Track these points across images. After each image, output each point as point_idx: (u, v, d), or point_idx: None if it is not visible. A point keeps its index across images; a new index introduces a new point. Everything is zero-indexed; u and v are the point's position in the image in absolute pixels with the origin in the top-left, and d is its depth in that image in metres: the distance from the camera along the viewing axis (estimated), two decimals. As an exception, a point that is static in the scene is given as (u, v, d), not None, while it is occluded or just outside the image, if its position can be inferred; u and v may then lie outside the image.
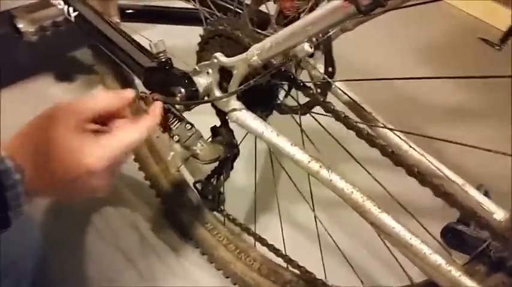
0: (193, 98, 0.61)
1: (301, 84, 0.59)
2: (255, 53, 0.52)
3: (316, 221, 0.76)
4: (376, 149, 0.54)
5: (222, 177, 0.77)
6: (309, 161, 0.56)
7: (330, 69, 0.69)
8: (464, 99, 1.49)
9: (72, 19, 0.74)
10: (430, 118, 1.32)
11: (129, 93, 0.54)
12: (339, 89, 0.65)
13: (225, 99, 0.60)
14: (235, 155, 0.73)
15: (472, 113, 1.46)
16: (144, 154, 1.02)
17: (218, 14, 0.67)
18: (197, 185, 0.80)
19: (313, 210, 0.75)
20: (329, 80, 0.65)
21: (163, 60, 0.60)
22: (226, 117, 0.68)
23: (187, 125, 0.66)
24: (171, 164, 0.98)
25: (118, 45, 0.66)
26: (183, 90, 0.61)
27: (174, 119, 0.67)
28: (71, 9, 0.74)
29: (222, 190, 0.80)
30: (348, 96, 0.66)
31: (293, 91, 0.66)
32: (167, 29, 1.03)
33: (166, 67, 0.61)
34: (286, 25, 0.70)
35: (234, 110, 0.60)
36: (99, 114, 0.50)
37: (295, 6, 0.66)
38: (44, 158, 0.45)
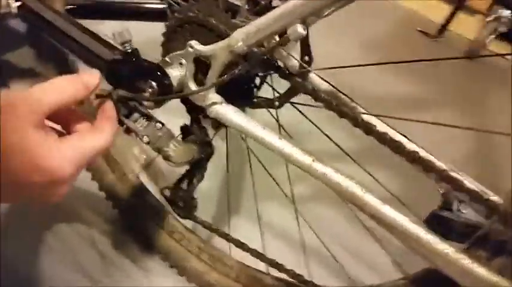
0: (166, 92, 0.55)
1: (287, 72, 0.54)
2: (239, 38, 0.47)
3: (297, 216, 0.72)
4: (373, 137, 0.50)
5: (194, 180, 0.71)
6: (301, 155, 0.52)
7: (307, 58, 0.65)
8: (412, 89, 1.52)
9: (14, 10, 0.65)
10: (382, 108, 1.34)
11: (94, 78, 0.46)
12: (320, 77, 0.61)
13: (202, 93, 0.55)
14: (210, 154, 0.67)
15: (421, 101, 1.50)
16: (97, 162, 0.93)
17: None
18: (165, 191, 0.73)
19: (294, 203, 0.71)
20: (308, 68, 0.61)
21: (129, 51, 0.53)
22: (201, 114, 0.62)
23: (157, 123, 0.60)
24: (130, 169, 0.90)
25: (73, 38, 0.58)
26: (154, 84, 0.54)
27: (142, 118, 0.60)
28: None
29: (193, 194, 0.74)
30: (331, 84, 0.63)
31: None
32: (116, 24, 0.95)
33: (133, 59, 0.54)
34: (258, 13, 0.66)
35: (214, 104, 0.54)
36: (60, 107, 0.42)
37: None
38: None
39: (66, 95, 0.43)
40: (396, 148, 0.49)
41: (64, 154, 0.40)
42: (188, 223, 0.83)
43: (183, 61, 0.55)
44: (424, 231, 0.49)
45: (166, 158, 0.62)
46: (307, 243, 0.79)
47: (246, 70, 0.50)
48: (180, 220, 0.85)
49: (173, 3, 0.62)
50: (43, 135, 0.40)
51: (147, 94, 0.56)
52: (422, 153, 0.53)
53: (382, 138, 0.50)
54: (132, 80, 0.55)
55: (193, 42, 0.53)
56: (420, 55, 1.59)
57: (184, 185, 0.73)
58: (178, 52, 0.55)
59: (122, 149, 0.89)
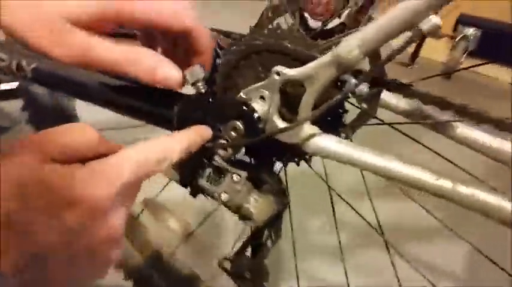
0: (255, 133, 0.44)
1: (399, 85, 0.46)
2: (353, 46, 0.39)
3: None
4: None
5: (268, 241, 0.59)
6: (437, 179, 0.42)
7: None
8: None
9: (29, 74, 0.53)
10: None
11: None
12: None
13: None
14: (286, 206, 0.57)
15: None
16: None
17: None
18: (224, 263, 0.61)
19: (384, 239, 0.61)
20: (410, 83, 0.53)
21: (203, 90, 0.43)
22: (274, 159, 0.52)
23: (235, 175, 0.49)
24: (166, 245, 0.76)
25: (116, 94, 0.47)
26: (239, 124, 0.44)
27: (214, 173, 0.49)
28: (24, 62, 0.54)
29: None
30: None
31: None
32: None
33: (210, 99, 0.43)
34: (324, 33, 0.58)
35: (311, 137, 0.45)
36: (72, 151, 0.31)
37: (329, 9, 0.55)
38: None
39: (78, 140, 0.31)
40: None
41: (91, 171, 0.30)
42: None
43: (266, 93, 0.45)
44: None
45: (247, 217, 0.51)
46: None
47: (354, 88, 0.41)
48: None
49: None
50: (58, 166, 0.29)
51: (223, 141, 0.45)
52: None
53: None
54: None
55: (280, 68, 0.44)
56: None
57: (248, 252, 0.61)
58: (258, 84, 0.45)
59: (155, 225, 0.76)
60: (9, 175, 0.27)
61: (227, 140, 0.45)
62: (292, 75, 0.43)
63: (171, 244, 0.76)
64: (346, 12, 0.55)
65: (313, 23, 0.57)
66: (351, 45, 0.39)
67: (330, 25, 0.57)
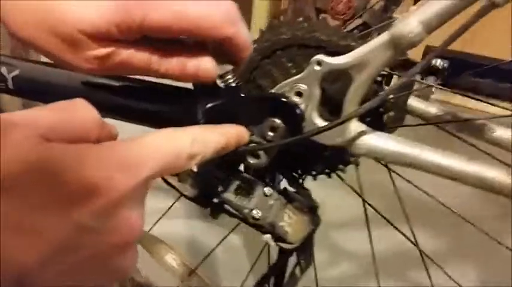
0: (297, 131, 0.38)
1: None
2: (414, 24, 0.34)
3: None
4: None
5: (296, 271, 0.51)
6: (502, 175, 0.37)
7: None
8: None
9: (10, 84, 0.45)
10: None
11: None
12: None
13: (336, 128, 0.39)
14: (317, 226, 0.49)
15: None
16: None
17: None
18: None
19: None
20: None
21: (233, 84, 0.36)
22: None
23: (266, 188, 0.42)
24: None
25: (130, 96, 0.40)
26: (279, 122, 0.37)
27: (241, 186, 0.42)
28: (3, 69, 0.45)
29: None
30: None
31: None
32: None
33: (242, 94, 0.37)
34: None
35: (360, 135, 0.39)
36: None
37: (351, 7, 0.51)
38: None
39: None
40: None
41: (111, 153, 0.23)
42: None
43: (303, 88, 0.39)
44: None
45: (282, 237, 0.43)
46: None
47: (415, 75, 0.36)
48: None
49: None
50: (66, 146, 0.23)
51: (256, 139, 0.38)
52: None
53: None
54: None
55: (321, 57, 0.38)
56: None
57: (275, 279, 0.53)
58: (294, 77, 0.39)
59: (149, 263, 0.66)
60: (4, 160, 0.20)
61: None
62: (338, 64, 0.38)
63: (170, 285, 0.66)
64: (367, 11, 0.51)
65: (333, 23, 0.53)
66: (411, 24, 0.34)
67: (351, 26, 0.53)
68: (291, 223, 0.43)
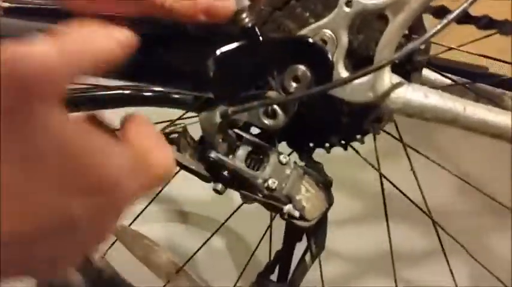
0: (325, 81, 0.32)
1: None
2: None
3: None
4: None
5: (307, 257, 0.45)
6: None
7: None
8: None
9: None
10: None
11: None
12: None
13: (366, 79, 0.33)
14: (331, 205, 0.43)
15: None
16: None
17: None
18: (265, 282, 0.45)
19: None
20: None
21: (249, 25, 0.30)
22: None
23: (281, 156, 0.36)
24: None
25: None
26: (304, 69, 0.31)
27: (258, 151, 0.36)
28: None
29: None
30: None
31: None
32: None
33: (259, 37, 0.31)
34: None
35: (396, 87, 0.33)
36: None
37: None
38: None
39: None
40: None
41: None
42: None
43: (328, 33, 0.34)
44: None
45: (299, 213, 0.37)
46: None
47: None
48: None
49: None
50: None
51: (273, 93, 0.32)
52: None
53: None
54: (257, 76, 0.32)
55: (352, -5, 0.33)
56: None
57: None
58: (319, 22, 0.34)
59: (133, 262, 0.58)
60: None
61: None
62: (372, 4, 0.32)
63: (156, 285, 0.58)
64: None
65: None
66: None
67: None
68: (309, 197, 0.37)
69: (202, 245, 0.73)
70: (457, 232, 0.54)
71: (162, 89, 0.87)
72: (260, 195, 0.36)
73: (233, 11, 0.29)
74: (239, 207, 0.65)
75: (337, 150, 0.43)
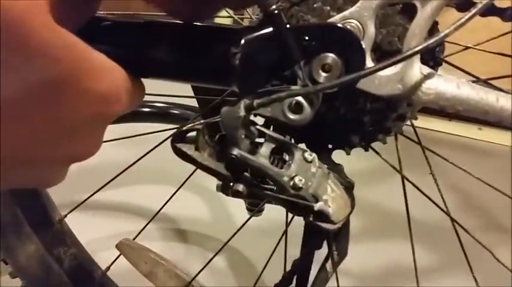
0: (357, 69, 0.31)
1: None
2: None
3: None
4: None
5: (327, 265, 0.43)
6: None
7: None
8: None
9: None
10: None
11: None
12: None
13: (394, 70, 0.32)
14: (353, 208, 0.42)
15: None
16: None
17: None
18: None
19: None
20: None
21: (276, 11, 0.29)
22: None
23: (306, 153, 0.34)
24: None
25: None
26: (335, 57, 0.30)
27: (281, 148, 0.34)
28: None
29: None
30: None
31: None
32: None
33: (287, 24, 0.29)
34: None
35: (426, 78, 0.32)
36: None
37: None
38: None
39: None
40: None
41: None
42: None
43: (354, 23, 0.32)
44: None
45: (324, 213, 0.35)
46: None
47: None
48: None
49: None
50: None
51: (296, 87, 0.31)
52: None
53: None
54: (283, 66, 0.30)
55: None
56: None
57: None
58: (344, 12, 0.33)
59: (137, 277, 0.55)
60: None
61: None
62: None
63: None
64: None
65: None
66: None
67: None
68: (335, 198, 0.35)
69: (206, 264, 0.70)
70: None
71: (163, 105, 0.86)
72: (285, 195, 0.34)
73: None
74: (243, 225, 0.63)
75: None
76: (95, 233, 0.88)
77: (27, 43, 0.19)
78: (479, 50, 0.45)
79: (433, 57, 0.38)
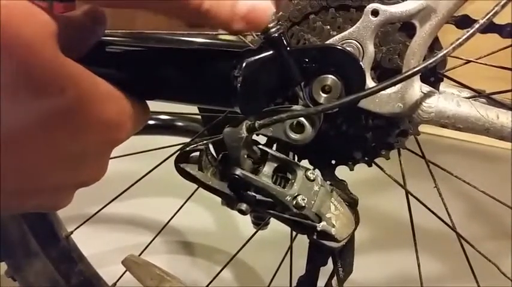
0: (359, 90, 0.31)
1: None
2: None
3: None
4: None
5: (333, 283, 0.43)
6: None
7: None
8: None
9: None
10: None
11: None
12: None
13: (394, 89, 0.32)
14: (358, 223, 0.42)
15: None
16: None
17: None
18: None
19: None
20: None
21: (276, 34, 0.29)
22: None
23: (309, 172, 0.34)
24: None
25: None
26: (335, 79, 0.30)
27: (284, 167, 0.34)
28: None
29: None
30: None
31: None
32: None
33: (287, 47, 0.30)
34: None
35: (426, 97, 0.32)
36: None
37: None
38: None
39: None
40: None
41: None
42: None
43: (354, 43, 0.33)
44: None
45: (327, 232, 0.35)
46: None
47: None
48: None
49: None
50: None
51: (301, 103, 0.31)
52: None
53: None
54: (284, 87, 0.31)
55: (377, 5, 0.32)
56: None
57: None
58: (344, 33, 0.33)
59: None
60: None
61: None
62: (399, 12, 0.32)
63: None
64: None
65: None
66: None
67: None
68: (338, 216, 0.36)
69: (213, 279, 0.70)
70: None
71: (168, 117, 0.87)
72: (288, 214, 0.34)
73: (270, 17, 0.28)
74: (250, 239, 0.63)
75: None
76: (101, 248, 0.88)
77: (34, 75, 0.19)
78: (481, 64, 0.45)
79: (433, 73, 0.38)
